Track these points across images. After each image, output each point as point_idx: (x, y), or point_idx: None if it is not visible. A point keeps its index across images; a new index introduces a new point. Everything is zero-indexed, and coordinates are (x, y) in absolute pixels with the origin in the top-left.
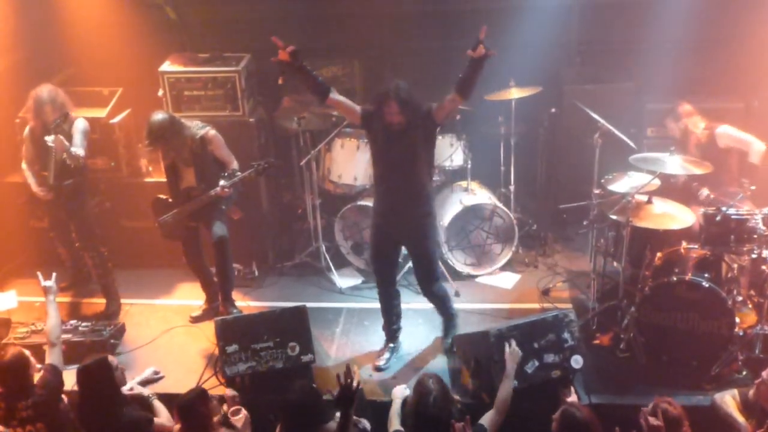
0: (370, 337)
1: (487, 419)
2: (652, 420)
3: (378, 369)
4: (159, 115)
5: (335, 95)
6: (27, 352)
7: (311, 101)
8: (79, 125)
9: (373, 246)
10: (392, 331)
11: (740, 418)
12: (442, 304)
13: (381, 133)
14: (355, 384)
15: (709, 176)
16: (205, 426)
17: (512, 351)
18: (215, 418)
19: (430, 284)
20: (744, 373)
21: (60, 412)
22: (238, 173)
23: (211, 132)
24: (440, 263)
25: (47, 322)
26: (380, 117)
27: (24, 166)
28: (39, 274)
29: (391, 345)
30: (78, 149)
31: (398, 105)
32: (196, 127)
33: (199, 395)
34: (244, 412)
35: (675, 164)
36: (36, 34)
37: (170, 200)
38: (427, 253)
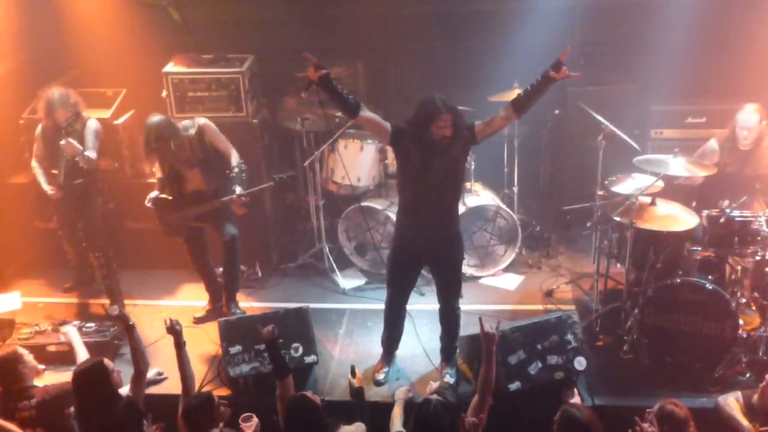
0: (373, 338)
1: (470, 404)
2: (647, 427)
3: (378, 383)
4: (156, 117)
5: (365, 113)
6: (23, 351)
7: (314, 102)
8: (92, 126)
9: (393, 266)
10: (392, 347)
11: (744, 421)
12: (455, 325)
13: (419, 151)
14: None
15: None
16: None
17: (487, 333)
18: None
19: (455, 302)
20: (747, 375)
21: (63, 420)
22: (244, 171)
23: (202, 121)
24: None
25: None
26: (423, 133)
27: (34, 164)
28: (62, 329)
29: (389, 358)
30: (91, 152)
31: (453, 117)
32: (188, 125)
33: (205, 401)
34: (255, 419)
35: (679, 166)
36: (40, 36)
37: (172, 199)
38: (456, 275)
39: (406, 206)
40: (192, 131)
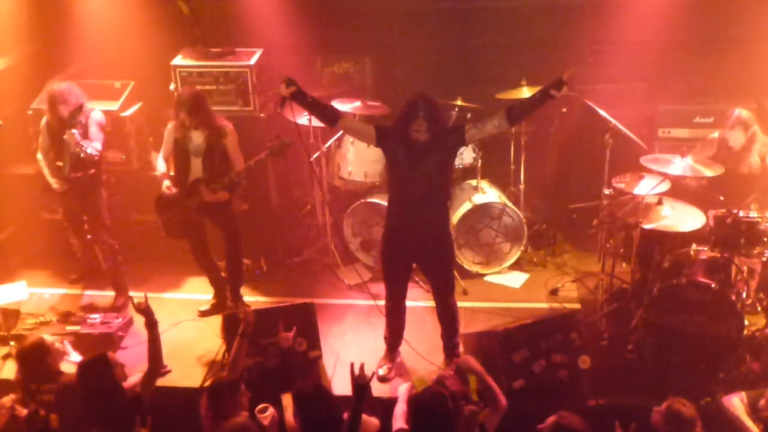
0: (378, 334)
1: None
2: None
3: (381, 379)
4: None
5: (345, 122)
6: (49, 340)
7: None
8: (95, 117)
9: (384, 262)
10: (394, 343)
11: (748, 422)
12: (453, 320)
13: (402, 151)
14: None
15: (731, 188)
16: (231, 415)
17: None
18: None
19: (447, 296)
20: (752, 375)
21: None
22: (243, 179)
23: (230, 126)
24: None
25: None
26: (403, 134)
27: (39, 156)
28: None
29: (392, 354)
30: (95, 144)
31: (427, 123)
32: (218, 118)
33: (231, 384)
34: (271, 410)
35: (685, 166)
36: (49, 27)
37: (174, 194)
38: (446, 273)
39: (393, 204)
40: (217, 124)
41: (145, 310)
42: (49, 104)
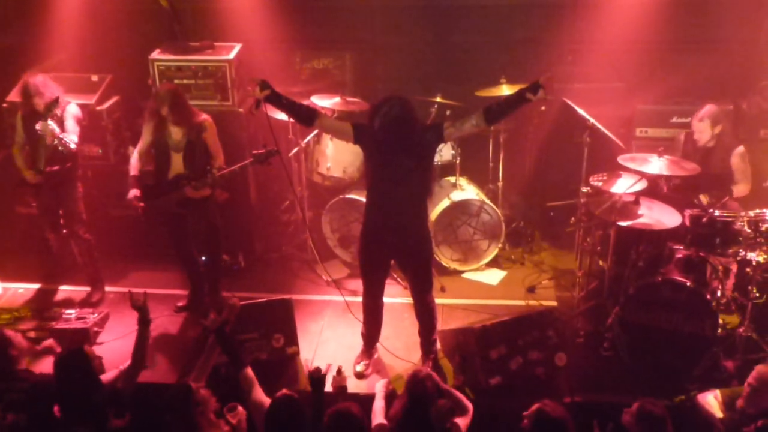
0: (355, 330)
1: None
2: None
3: (358, 376)
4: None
5: (322, 121)
6: (11, 334)
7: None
8: (71, 110)
9: (362, 258)
10: (372, 340)
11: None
12: (430, 318)
13: (375, 148)
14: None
15: (702, 182)
16: (193, 420)
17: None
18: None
19: (427, 296)
20: (726, 373)
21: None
22: (224, 176)
23: (209, 120)
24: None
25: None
26: (374, 132)
27: (15, 150)
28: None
29: (370, 351)
30: (71, 136)
31: (380, 121)
32: (197, 113)
33: (185, 391)
34: (240, 408)
35: (662, 165)
36: (26, 19)
37: (155, 187)
38: (423, 271)
39: (371, 201)
40: (196, 119)
41: (142, 308)
42: (23, 95)
